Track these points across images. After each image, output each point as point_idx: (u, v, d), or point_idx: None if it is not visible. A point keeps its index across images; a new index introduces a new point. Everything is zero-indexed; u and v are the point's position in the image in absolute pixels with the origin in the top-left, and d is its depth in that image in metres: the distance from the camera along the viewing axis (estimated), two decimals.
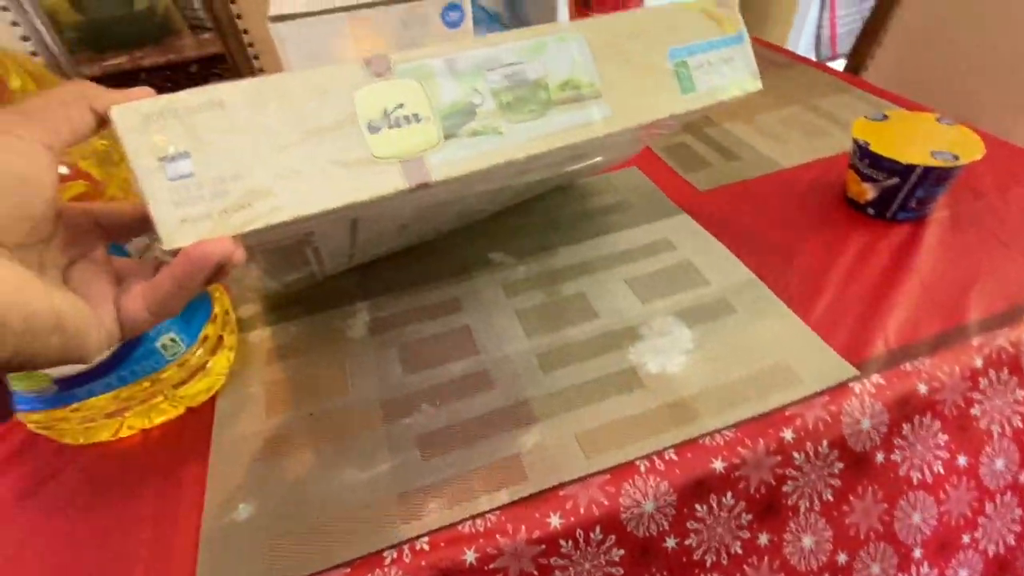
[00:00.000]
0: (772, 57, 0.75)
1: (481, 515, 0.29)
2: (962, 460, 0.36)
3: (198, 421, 0.36)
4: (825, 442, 0.32)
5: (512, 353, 0.38)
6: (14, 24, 0.79)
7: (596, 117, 0.28)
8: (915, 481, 0.35)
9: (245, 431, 0.35)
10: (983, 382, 0.35)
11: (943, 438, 0.35)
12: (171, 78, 1.52)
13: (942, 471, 0.36)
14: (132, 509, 0.31)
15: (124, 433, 0.35)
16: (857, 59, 0.88)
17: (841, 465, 0.33)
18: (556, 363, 0.37)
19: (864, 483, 0.34)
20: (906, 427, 0.34)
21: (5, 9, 0.77)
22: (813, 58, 1.58)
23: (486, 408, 0.34)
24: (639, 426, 0.33)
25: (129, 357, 0.32)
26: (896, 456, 0.35)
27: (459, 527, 0.29)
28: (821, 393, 0.33)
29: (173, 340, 0.33)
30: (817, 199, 0.49)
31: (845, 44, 1.43)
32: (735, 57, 0.33)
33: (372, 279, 0.45)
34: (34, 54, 0.82)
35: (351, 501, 0.30)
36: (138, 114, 0.20)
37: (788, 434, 0.32)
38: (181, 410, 0.36)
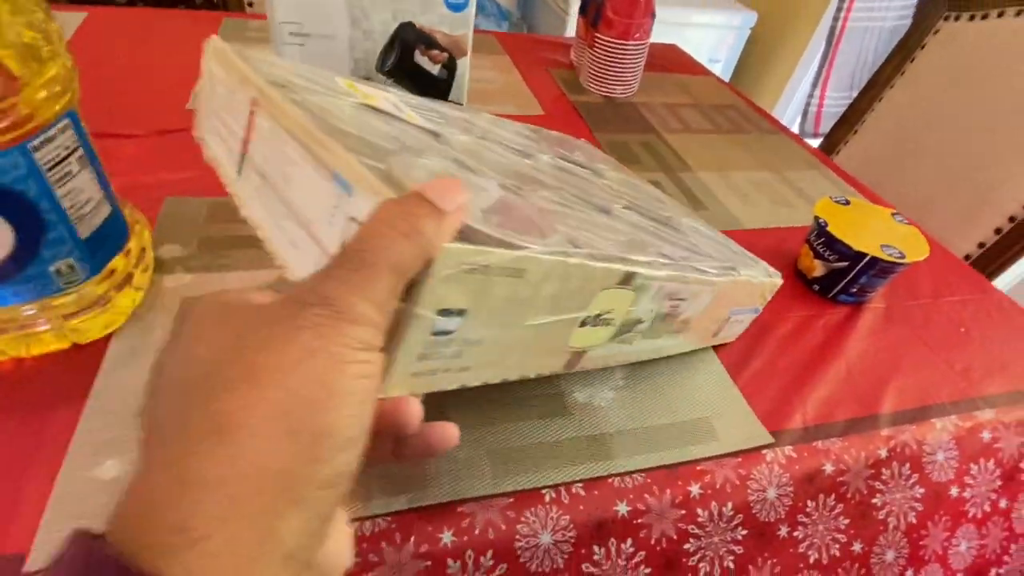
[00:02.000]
0: (759, 121, 0.77)
1: (372, 518, 0.27)
2: (857, 546, 0.37)
3: (84, 360, 0.32)
4: (730, 504, 0.33)
5: None
6: None
7: (676, 344, 0.35)
8: (811, 560, 0.36)
9: (134, 381, 0.32)
10: (886, 473, 0.37)
11: (844, 522, 0.36)
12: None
13: (838, 554, 0.37)
14: None
15: None
16: (832, 140, 0.92)
17: (744, 532, 0.34)
18: None
19: (765, 555, 0.35)
20: (810, 504, 0.35)
21: None
22: (796, 129, 1.65)
23: None
24: (553, 454, 0.32)
25: (15, 276, 0.28)
26: (798, 533, 0.35)
27: None
28: (735, 454, 0.34)
29: (71, 267, 0.30)
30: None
31: (828, 124, 1.50)
32: (744, 321, 0.40)
33: None
34: None
35: None
36: (459, 263, 0.17)
37: (696, 489, 0.32)
38: (66, 344, 0.33)
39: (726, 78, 1.66)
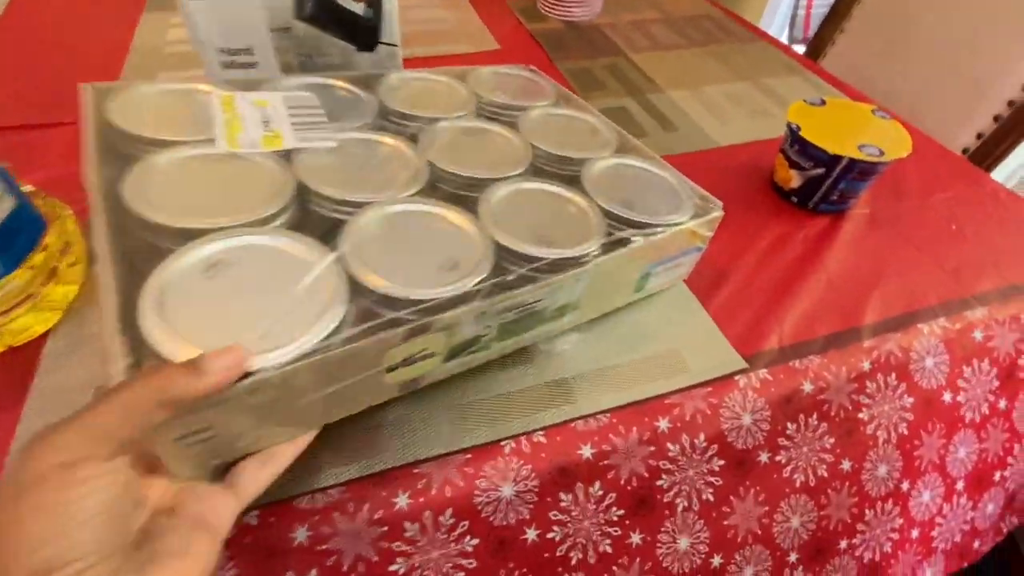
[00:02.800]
0: (735, 30, 0.72)
1: (322, 490, 0.27)
2: (846, 464, 0.36)
3: (20, 362, 0.31)
4: (703, 435, 0.31)
5: None
6: None
7: (566, 322, 0.31)
8: (798, 484, 0.35)
9: (74, 379, 0.31)
10: (871, 386, 0.35)
11: (829, 441, 0.35)
12: None
13: (826, 475, 0.35)
14: None
15: None
16: (818, 43, 0.86)
17: (722, 462, 0.32)
18: None
19: (746, 484, 0.33)
20: (791, 427, 0.34)
21: None
22: (785, 38, 1.55)
23: None
24: (513, 404, 0.30)
25: None
26: (781, 457, 0.34)
27: (295, 502, 0.26)
28: (705, 384, 0.32)
29: None
30: (744, 183, 0.47)
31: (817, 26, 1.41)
32: (684, 263, 0.35)
33: None
34: None
35: None
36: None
37: (663, 423, 0.30)
38: (1, 348, 0.31)
39: None
